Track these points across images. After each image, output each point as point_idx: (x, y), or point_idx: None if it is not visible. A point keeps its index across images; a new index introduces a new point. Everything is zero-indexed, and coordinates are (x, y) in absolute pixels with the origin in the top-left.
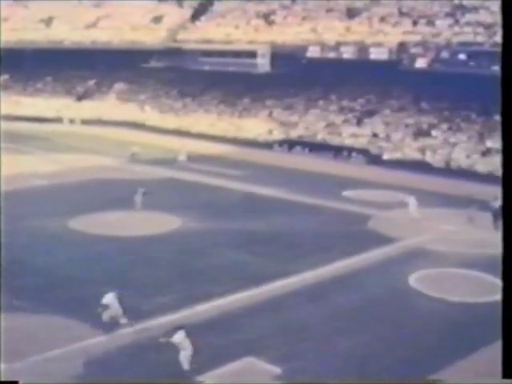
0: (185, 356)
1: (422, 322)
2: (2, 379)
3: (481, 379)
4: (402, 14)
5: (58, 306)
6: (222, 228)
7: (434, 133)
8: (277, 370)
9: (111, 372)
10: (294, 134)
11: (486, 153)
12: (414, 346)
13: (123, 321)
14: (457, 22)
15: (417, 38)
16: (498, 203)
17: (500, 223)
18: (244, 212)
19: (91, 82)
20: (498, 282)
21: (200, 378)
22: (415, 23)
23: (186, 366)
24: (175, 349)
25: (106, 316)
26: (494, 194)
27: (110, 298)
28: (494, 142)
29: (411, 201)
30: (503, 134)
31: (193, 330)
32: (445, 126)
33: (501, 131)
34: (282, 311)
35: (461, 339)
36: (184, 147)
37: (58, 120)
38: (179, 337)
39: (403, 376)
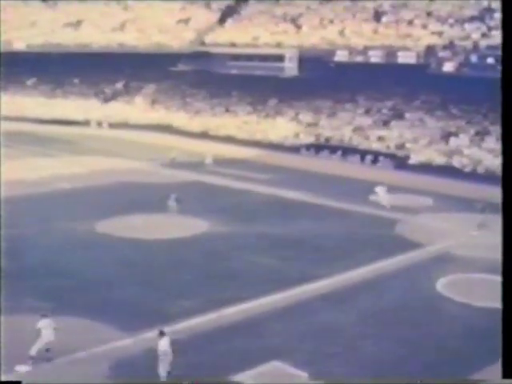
0: (165, 363)
1: (448, 327)
2: (11, 379)
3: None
4: (429, 16)
5: (85, 308)
6: (249, 232)
7: (461, 136)
8: (303, 373)
9: (137, 374)
10: (321, 137)
11: None
12: (440, 350)
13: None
14: (485, 25)
15: (444, 41)
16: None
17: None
18: (270, 216)
19: (119, 85)
20: None
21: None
22: (443, 26)
23: (163, 372)
24: (199, 351)
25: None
26: None
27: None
28: None
29: (379, 189)
30: (503, 133)
31: (218, 334)
32: (472, 130)
33: (501, 131)
34: (308, 315)
35: (486, 344)
36: (211, 150)
37: (85, 123)
38: (164, 344)
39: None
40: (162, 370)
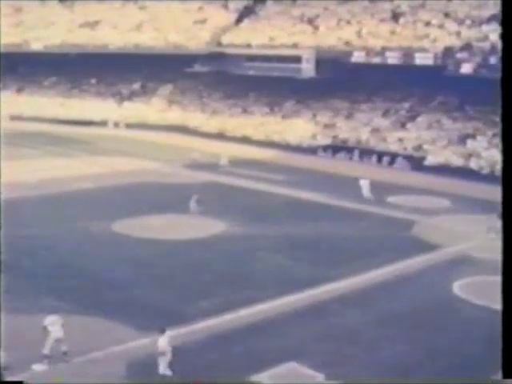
0: (164, 360)
1: (466, 330)
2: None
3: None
4: (447, 17)
5: (102, 308)
6: (265, 233)
7: (479, 138)
8: (320, 375)
9: (153, 374)
10: (338, 138)
11: None
12: (458, 353)
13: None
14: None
15: (462, 42)
16: None
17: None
18: (287, 217)
19: (136, 85)
20: None
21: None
22: (461, 27)
23: (162, 369)
24: (216, 352)
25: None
26: None
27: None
28: None
29: (363, 183)
30: (503, 133)
31: (235, 335)
32: (490, 132)
33: (501, 132)
34: (325, 317)
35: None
36: (227, 151)
37: (103, 123)
38: (163, 342)
39: None
40: (162, 369)
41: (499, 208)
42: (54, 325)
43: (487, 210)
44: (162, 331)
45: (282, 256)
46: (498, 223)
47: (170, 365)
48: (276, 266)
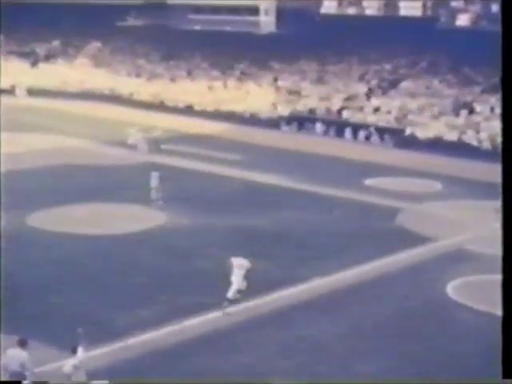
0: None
1: (463, 341)
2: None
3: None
4: None
5: (14, 321)
6: (217, 225)
7: (478, 107)
8: None
9: None
10: (305, 108)
11: None
12: (454, 370)
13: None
14: None
15: None
16: None
17: None
18: (243, 205)
19: (55, 43)
20: None
21: None
22: None
23: (230, 294)
24: (156, 372)
25: None
26: None
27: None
28: None
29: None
30: (503, 133)
31: (180, 351)
32: (492, 99)
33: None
34: (289, 327)
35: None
36: (168, 124)
37: (11, 91)
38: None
39: None
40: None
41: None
42: None
43: (487, 193)
44: (74, 350)
45: (238, 253)
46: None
47: None
48: (228, 265)
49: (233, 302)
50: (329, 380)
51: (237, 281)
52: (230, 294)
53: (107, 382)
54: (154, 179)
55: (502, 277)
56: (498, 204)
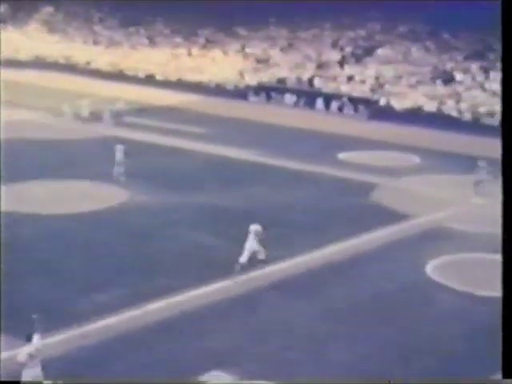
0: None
1: (443, 323)
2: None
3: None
4: None
5: None
6: (181, 202)
7: (458, 75)
8: None
9: None
10: (274, 77)
11: None
12: (433, 354)
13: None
14: None
15: None
16: None
17: None
18: (210, 182)
19: (3, 7)
20: None
21: None
22: None
23: (242, 259)
24: (117, 359)
25: None
26: None
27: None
28: None
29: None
30: (503, 132)
31: (143, 337)
32: (474, 66)
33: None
34: (259, 310)
35: (493, 345)
36: (127, 95)
37: None
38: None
39: None
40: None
41: (486, 165)
42: None
43: (468, 167)
44: (29, 338)
45: (203, 232)
46: (486, 184)
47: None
48: (195, 245)
49: (246, 267)
50: (329, 380)
51: (249, 246)
52: (243, 258)
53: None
54: (119, 152)
55: (502, 277)
56: (477, 183)
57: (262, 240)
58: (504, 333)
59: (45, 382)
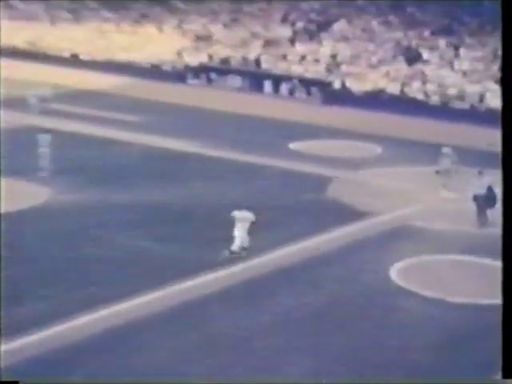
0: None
1: (410, 335)
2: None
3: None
4: None
5: None
6: (111, 200)
7: (425, 53)
8: None
9: None
10: (217, 57)
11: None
12: (399, 369)
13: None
14: None
15: None
16: (483, 183)
17: (487, 217)
18: (144, 177)
19: None
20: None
21: None
22: None
23: (233, 247)
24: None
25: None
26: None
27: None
28: None
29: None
30: (503, 131)
31: (71, 353)
32: (443, 42)
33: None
34: (202, 321)
35: (466, 358)
36: (47, 78)
37: None
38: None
39: None
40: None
41: (451, 153)
42: None
43: (436, 158)
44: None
45: (137, 234)
46: (452, 175)
47: None
48: (128, 249)
49: (236, 256)
50: (329, 380)
51: (239, 236)
52: (234, 247)
53: None
54: (42, 144)
55: (502, 281)
56: (445, 175)
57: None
58: (504, 333)
59: (44, 381)
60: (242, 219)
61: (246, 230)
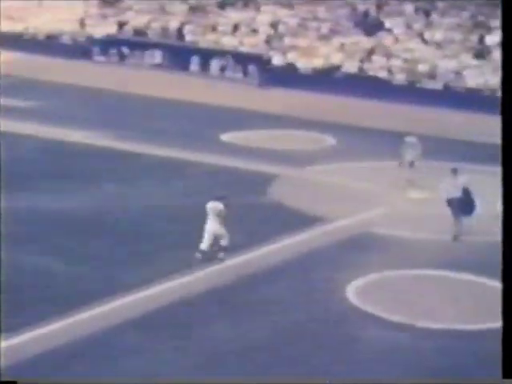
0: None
1: (373, 371)
2: None
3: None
4: None
5: None
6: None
7: (388, 21)
8: None
9: None
10: (130, 27)
11: (483, 53)
12: None
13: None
14: None
15: None
16: (458, 183)
17: (460, 220)
18: (41, 177)
19: None
20: (497, 288)
21: None
22: None
23: (203, 245)
24: None
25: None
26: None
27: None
28: (496, 35)
29: None
30: (503, 131)
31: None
32: (409, 7)
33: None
34: (113, 359)
35: None
36: None
37: None
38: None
39: None
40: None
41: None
42: None
43: (398, 149)
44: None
45: (35, 249)
46: (421, 171)
47: None
48: (24, 268)
49: (208, 255)
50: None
51: (210, 228)
52: (204, 245)
53: None
54: None
55: (502, 274)
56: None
57: (224, 221)
58: (504, 333)
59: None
60: (213, 211)
61: (219, 224)
